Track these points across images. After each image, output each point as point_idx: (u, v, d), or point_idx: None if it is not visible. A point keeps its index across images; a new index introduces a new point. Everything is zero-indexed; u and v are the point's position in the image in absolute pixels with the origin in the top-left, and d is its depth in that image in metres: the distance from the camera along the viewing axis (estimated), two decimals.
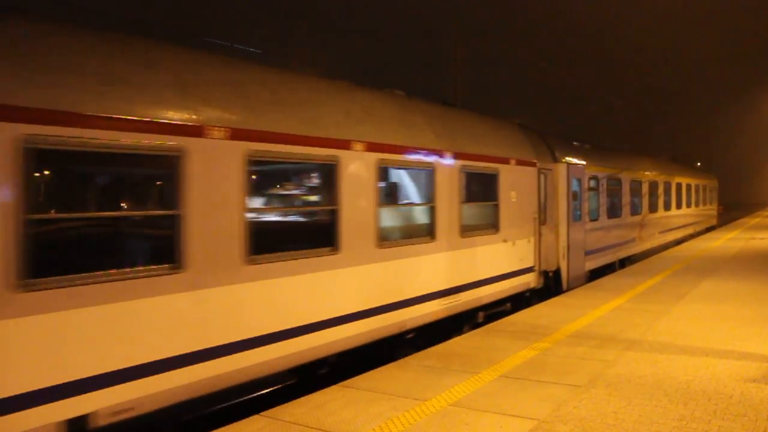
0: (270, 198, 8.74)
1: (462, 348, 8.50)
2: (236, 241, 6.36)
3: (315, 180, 8.77)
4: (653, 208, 22.92)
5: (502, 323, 10.14)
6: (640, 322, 9.78)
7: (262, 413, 6.09)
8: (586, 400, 6.18)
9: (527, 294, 12.71)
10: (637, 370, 7.17)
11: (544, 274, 13.50)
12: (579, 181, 15.40)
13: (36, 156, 4.89)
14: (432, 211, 9.59)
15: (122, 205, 6.20)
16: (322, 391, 6.75)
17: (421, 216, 10.04)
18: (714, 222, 37.54)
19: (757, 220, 46.67)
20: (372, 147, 8.30)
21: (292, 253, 7.13)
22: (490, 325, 10.07)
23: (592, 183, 16.52)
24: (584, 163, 15.91)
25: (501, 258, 11.40)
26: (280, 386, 8.55)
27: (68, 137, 5.04)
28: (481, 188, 11.34)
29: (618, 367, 7.32)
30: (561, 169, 14.37)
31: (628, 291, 12.95)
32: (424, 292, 9.32)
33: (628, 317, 10.23)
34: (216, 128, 6.22)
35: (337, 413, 6.00)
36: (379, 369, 7.63)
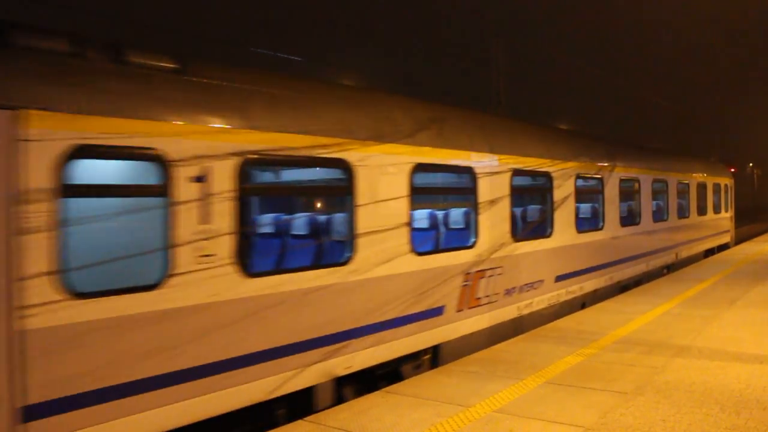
0: None
1: (506, 354, 8.44)
2: None
3: None
4: (545, 229, 11.01)
5: (546, 329, 10.03)
6: (689, 328, 9.54)
7: (306, 418, 6.18)
8: (633, 408, 6.07)
9: None
10: (686, 378, 7.00)
11: None
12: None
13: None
14: None
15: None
16: (365, 396, 6.80)
17: None
18: (727, 238, 24.92)
19: None
20: None
21: None
22: (535, 330, 9.97)
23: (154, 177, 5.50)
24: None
25: None
26: None
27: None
28: None
29: (667, 374, 7.16)
30: None
31: (676, 296, 12.64)
32: None
33: (677, 323, 9.99)
34: None
35: (380, 419, 6.04)
36: (422, 375, 7.64)
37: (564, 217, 11.44)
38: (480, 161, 9.22)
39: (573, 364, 7.79)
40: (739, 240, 27.37)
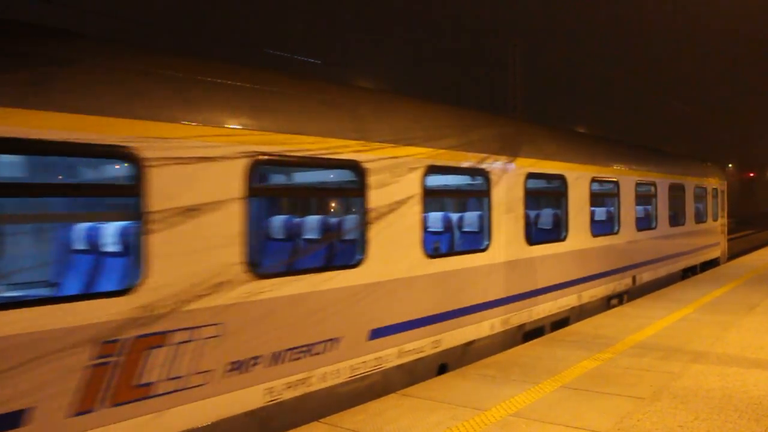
0: None
1: (522, 357, 8.42)
2: None
3: None
4: (349, 254, 7.01)
5: (563, 333, 9.99)
6: (707, 334, 9.46)
7: (321, 420, 6.20)
8: (650, 413, 6.03)
9: None
10: (704, 383, 6.94)
11: None
12: None
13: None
14: None
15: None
16: (381, 399, 6.81)
17: None
18: (716, 253, 20.39)
19: None
20: None
21: None
22: (551, 334, 9.93)
23: None
24: None
25: None
26: None
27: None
28: None
29: (684, 380, 7.11)
30: None
31: (694, 301, 12.53)
32: None
33: (695, 328, 9.91)
34: None
35: (396, 421, 6.05)
36: (438, 378, 7.65)
37: (396, 235, 7.28)
38: (155, 138, 5.00)
39: (589, 368, 7.76)
40: (756, 246, 26.80)
